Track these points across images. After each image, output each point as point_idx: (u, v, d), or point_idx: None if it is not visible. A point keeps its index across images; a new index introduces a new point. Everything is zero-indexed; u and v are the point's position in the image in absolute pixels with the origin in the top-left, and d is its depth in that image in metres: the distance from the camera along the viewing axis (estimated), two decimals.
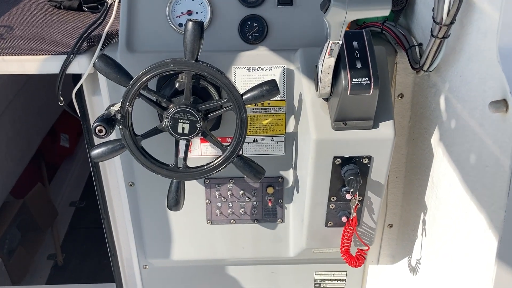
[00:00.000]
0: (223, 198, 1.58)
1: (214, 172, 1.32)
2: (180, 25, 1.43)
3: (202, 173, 1.32)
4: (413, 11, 1.41)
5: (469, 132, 1.12)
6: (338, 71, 1.17)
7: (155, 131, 1.30)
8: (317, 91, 1.24)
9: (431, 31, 1.09)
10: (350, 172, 1.24)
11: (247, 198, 1.58)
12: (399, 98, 1.51)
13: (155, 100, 1.29)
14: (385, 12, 0.99)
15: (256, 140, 1.53)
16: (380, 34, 1.47)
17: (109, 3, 1.52)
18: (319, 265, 1.81)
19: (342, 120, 1.22)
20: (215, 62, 1.38)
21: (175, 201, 1.36)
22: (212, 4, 1.42)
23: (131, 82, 1.24)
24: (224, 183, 1.56)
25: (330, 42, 1.07)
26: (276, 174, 1.57)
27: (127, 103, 1.25)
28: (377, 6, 0.98)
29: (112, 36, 1.48)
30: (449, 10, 1.00)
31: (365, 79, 1.13)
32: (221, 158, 1.32)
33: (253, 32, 1.43)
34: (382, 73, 1.29)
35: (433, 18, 1.05)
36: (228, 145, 1.31)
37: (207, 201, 1.58)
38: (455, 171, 1.21)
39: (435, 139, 1.35)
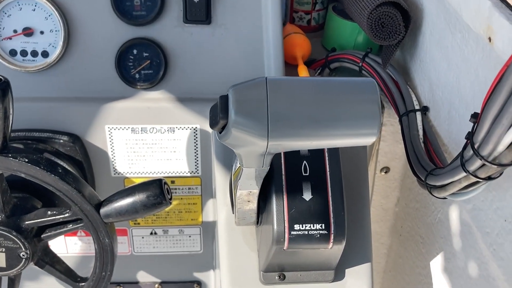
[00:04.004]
0: None
1: None
2: (13, 53, 0.82)
3: None
4: (415, 46, 0.82)
5: None
6: (268, 192, 0.60)
7: None
8: (233, 213, 0.67)
9: (462, 161, 0.49)
10: None
11: None
12: (383, 173, 0.95)
13: None
14: (364, 141, 0.41)
15: (155, 233, 0.97)
16: (359, 73, 0.88)
17: None
18: None
19: (278, 271, 0.66)
20: (75, 118, 0.81)
21: None
22: (69, 17, 0.80)
23: None
24: None
25: (244, 169, 0.49)
26: (189, 278, 1.02)
27: None
28: (343, 131, 0.40)
29: None
30: None
31: (318, 225, 0.56)
32: None
33: (142, 68, 0.83)
34: (357, 152, 0.73)
35: (471, 143, 0.47)
36: (84, 283, 0.75)
37: None
38: None
39: (436, 265, 0.82)
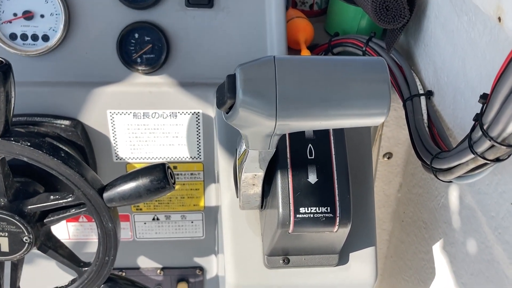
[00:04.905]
0: None
1: None
2: (13, 36, 0.81)
3: None
4: (420, 29, 0.81)
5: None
6: (273, 176, 0.60)
7: None
8: (237, 197, 0.67)
9: (470, 143, 0.50)
10: None
11: None
12: (386, 158, 0.95)
13: None
14: (374, 121, 0.41)
15: (157, 219, 0.96)
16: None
17: None
18: None
19: (282, 255, 0.66)
20: (76, 103, 0.80)
21: None
22: (69, 0, 0.79)
23: None
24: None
25: (250, 151, 0.49)
26: (191, 264, 1.02)
27: None
28: (353, 111, 0.40)
29: None
30: None
31: (324, 209, 0.56)
32: (77, 284, 0.77)
33: (144, 52, 0.82)
34: (361, 136, 0.73)
35: (480, 124, 0.47)
36: (87, 268, 0.75)
37: None
38: None
39: (439, 250, 0.82)
